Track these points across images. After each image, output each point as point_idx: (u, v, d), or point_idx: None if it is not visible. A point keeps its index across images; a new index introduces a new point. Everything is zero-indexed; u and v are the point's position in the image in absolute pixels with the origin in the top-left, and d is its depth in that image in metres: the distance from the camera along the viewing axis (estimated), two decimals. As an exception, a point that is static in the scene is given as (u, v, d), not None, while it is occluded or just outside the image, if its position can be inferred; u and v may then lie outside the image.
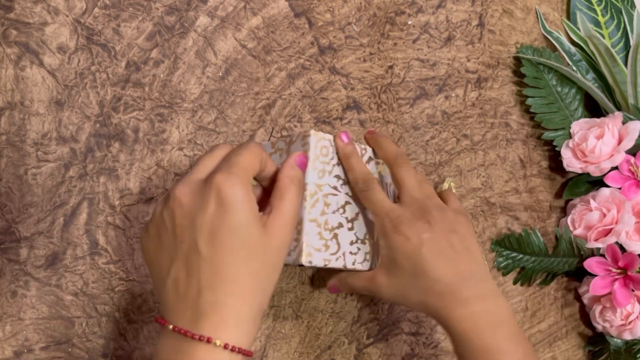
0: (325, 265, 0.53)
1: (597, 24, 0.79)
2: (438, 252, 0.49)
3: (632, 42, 0.77)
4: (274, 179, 0.45)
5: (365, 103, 0.66)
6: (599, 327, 0.74)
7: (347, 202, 0.55)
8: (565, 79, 0.75)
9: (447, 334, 0.51)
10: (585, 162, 0.72)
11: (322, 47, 0.65)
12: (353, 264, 0.55)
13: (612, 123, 0.72)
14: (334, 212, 0.54)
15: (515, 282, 0.73)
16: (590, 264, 0.70)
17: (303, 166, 0.46)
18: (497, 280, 0.72)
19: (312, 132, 0.53)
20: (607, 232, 0.71)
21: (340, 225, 0.54)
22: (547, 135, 0.75)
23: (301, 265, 0.53)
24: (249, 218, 0.39)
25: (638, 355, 0.73)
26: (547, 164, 0.77)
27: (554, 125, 0.75)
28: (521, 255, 0.73)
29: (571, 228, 0.73)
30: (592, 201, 0.72)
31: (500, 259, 0.72)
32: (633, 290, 0.69)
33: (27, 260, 0.52)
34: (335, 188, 0.55)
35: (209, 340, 0.37)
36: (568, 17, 0.80)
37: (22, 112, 0.52)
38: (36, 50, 0.53)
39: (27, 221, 0.52)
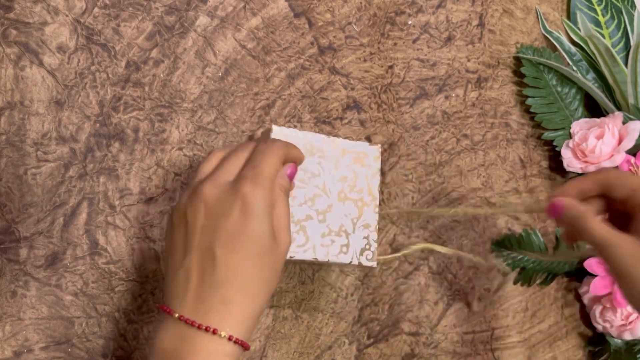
0: (292, 257, 0.53)
1: (597, 23, 0.79)
2: None
3: (632, 42, 0.77)
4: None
5: (365, 103, 0.66)
6: (599, 328, 0.74)
7: (316, 195, 0.55)
8: (566, 79, 0.75)
9: None
10: (586, 162, 0.72)
11: (322, 47, 0.65)
12: (326, 255, 0.55)
13: (612, 123, 0.71)
14: (300, 205, 0.54)
15: (515, 283, 0.73)
16: (591, 264, 0.70)
17: (292, 177, 0.48)
18: (497, 281, 0.72)
19: (274, 126, 0.54)
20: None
21: (309, 218, 0.54)
22: (547, 135, 0.75)
23: None
24: (268, 230, 0.42)
25: (638, 356, 0.73)
26: (547, 164, 0.77)
27: (554, 125, 0.75)
28: (521, 256, 0.73)
29: (571, 228, 0.73)
30: (592, 201, 0.72)
31: (501, 259, 0.72)
32: (633, 291, 0.69)
33: (27, 260, 0.52)
34: (302, 181, 0.55)
35: (214, 332, 0.40)
36: (568, 17, 0.80)
37: (22, 112, 0.52)
38: (36, 50, 0.53)
39: (27, 221, 0.52)
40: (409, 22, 0.70)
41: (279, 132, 0.54)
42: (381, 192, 0.66)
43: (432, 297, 0.68)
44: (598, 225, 0.47)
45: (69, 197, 0.53)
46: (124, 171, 0.56)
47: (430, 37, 0.70)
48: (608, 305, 0.71)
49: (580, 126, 0.74)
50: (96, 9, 0.55)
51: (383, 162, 0.67)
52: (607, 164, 0.71)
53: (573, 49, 0.77)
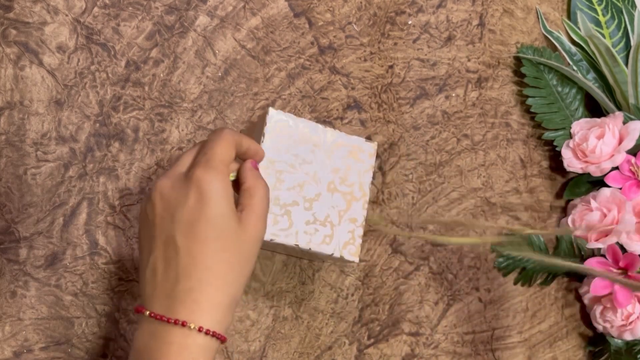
0: (272, 239, 0.53)
1: (597, 23, 0.79)
2: None
3: (632, 42, 0.77)
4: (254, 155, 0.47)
5: (365, 103, 0.66)
6: (600, 328, 0.73)
7: (305, 182, 0.55)
8: (566, 79, 0.75)
9: None
10: (586, 162, 0.72)
11: (322, 46, 0.65)
12: (308, 244, 0.55)
13: (613, 123, 0.71)
14: (288, 189, 0.54)
15: (515, 283, 0.73)
16: (591, 264, 0.70)
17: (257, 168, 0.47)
18: (497, 281, 0.72)
19: (270, 109, 0.54)
20: (608, 233, 0.70)
21: (296, 203, 0.54)
22: (548, 135, 0.75)
23: None
24: (226, 211, 0.41)
25: (639, 356, 0.73)
26: (548, 164, 0.77)
27: (555, 125, 0.75)
28: (521, 256, 0.73)
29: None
30: (592, 201, 0.71)
31: (501, 259, 0.72)
32: (634, 291, 0.69)
33: (26, 260, 0.52)
34: (292, 166, 0.55)
35: (183, 324, 0.39)
36: (568, 17, 0.80)
37: (22, 112, 0.52)
38: (35, 50, 0.53)
39: (26, 221, 0.52)
40: (409, 22, 0.70)
41: (275, 115, 0.54)
42: (381, 192, 0.66)
43: (432, 297, 0.68)
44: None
45: (69, 197, 0.53)
46: (123, 171, 0.55)
47: (430, 37, 0.70)
48: (608, 306, 0.71)
49: (580, 126, 0.74)
50: (96, 9, 0.55)
51: (383, 162, 0.67)
52: (607, 164, 0.71)
53: (573, 49, 0.77)
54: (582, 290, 0.75)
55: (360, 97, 0.66)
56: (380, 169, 0.66)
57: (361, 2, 0.67)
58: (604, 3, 0.79)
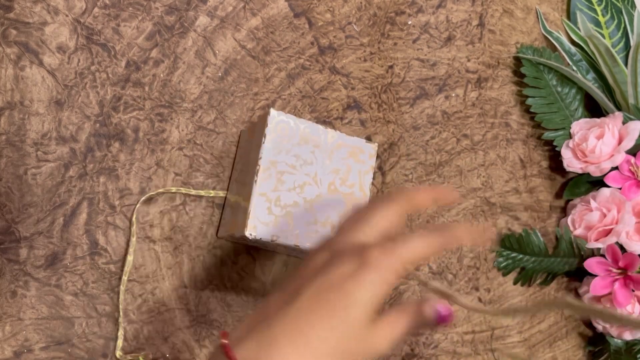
0: (273, 240, 0.53)
1: (597, 23, 0.79)
2: None
3: (632, 42, 0.77)
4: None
5: (365, 103, 0.66)
6: (599, 328, 0.74)
7: (306, 183, 0.55)
8: (566, 79, 0.75)
9: None
10: (586, 162, 0.72)
11: (322, 47, 0.65)
12: (309, 244, 0.55)
13: (613, 123, 0.71)
14: (289, 190, 0.54)
15: (515, 283, 0.73)
16: (591, 264, 0.70)
17: (446, 320, 0.41)
18: (497, 281, 0.72)
19: (272, 110, 0.54)
20: (608, 232, 0.70)
21: (296, 204, 0.54)
22: (547, 135, 0.75)
23: (255, 241, 0.53)
24: (367, 307, 0.36)
25: (638, 356, 0.73)
26: (547, 164, 0.77)
27: (554, 125, 0.75)
28: (521, 256, 0.73)
29: (571, 228, 0.73)
30: (592, 201, 0.72)
31: (501, 259, 0.72)
32: (633, 291, 0.69)
33: (26, 260, 0.52)
34: (293, 167, 0.55)
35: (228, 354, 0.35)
36: (568, 17, 0.80)
37: (22, 112, 0.52)
38: (36, 50, 0.53)
39: (26, 221, 0.52)
40: (409, 22, 0.70)
41: (276, 116, 0.54)
42: (381, 192, 0.66)
43: (432, 297, 0.68)
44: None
45: (69, 197, 0.53)
46: (124, 171, 0.56)
47: (430, 37, 0.70)
48: (608, 306, 0.71)
49: (580, 126, 0.74)
50: (96, 9, 0.55)
51: (383, 162, 0.67)
52: (607, 164, 0.71)
53: (573, 49, 0.77)
54: (581, 290, 0.75)
55: (360, 97, 0.66)
56: (380, 169, 0.66)
57: (361, 2, 0.67)
58: (603, 3, 0.79)
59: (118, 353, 0.54)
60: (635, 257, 0.68)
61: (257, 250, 0.60)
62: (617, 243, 0.69)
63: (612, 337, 0.73)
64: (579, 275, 0.76)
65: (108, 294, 0.54)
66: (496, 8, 0.75)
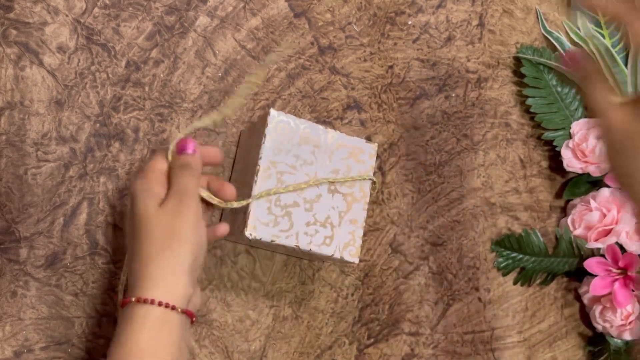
0: (273, 240, 0.53)
1: (597, 24, 0.79)
2: None
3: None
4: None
5: (365, 103, 0.66)
6: (599, 327, 0.74)
7: (306, 182, 0.55)
8: (566, 79, 0.75)
9: None
10: (586, 162, 0.72)
11: (322, 47, 0.65)
12: (308, 244, 0.55)
13: (612, 123, 0.71)
14: (289, 191, 0.54)
15: (515, 282, 0.73)
16: (591, 264, 0.70)
17: (184, 148, 0.49)
18: (497, 281, 0.72)
19: (272, 110, 0.54)
20: (607, 232, 0.70)
21: (296, 205, 0.54)
22: (547, 135, 0.75)
23: (255, 242, 0.53)
24: (146, 203, 0.46)
25: (639, 356, 0.73)
26: (547, 164, 0.77)
27: (554, 125, 0.75)
28: (521, 256, 0.73)
29: (571, 228, 0.73)
30: (592, 201, 0.72)
31: (501, 259, 0.72)
32: (633, 291, 0.69)
33: (27, 260, 0.52)
34: (293, 167, 0.55)
35: (138, 300, 0.44)
36: (568, 17, 0.80)
37: (22, 112, 0.52)
38: (36, 50, 0.53)
39: (27, 221, 0.52)
40: (409, 22, 0.70)
41: (276, 116, 0.54)
42: (381, 192, 0.66)
43: (432, 297, 0.68)
44: (598, 92, 0.48)
45: (69, 197, 0.53)
46: (124, 171, 0.56)
47: (430, 37, 0.71)
48: (608, 305, 0.71)
49: (580, 126, 0.74)
50: (96, 9, 0.55)
51: (383, 162, 0.67)
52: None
53: (573, 49, 0.77)
54: (581, 290, 0.75)
55: (360, 97, 0.66)
56: (380, 169, 0.67)
57: (361, 3, 0.67)
58: (603, 3, 0.79)
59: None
60: (635, 257, 0.68)
61: (257, 250, 0.60)
62: (617, 243, 0.69)
63: (612, 337, 0.73)
64: (578, 275, 0.76)
65: (108, 294, 0.54)
66: (496, 8, 0.75)
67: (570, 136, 0.74)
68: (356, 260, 0.56)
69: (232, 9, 0.61)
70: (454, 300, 0.69)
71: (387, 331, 0.66)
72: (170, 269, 0.45)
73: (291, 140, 0.55)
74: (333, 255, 0.55)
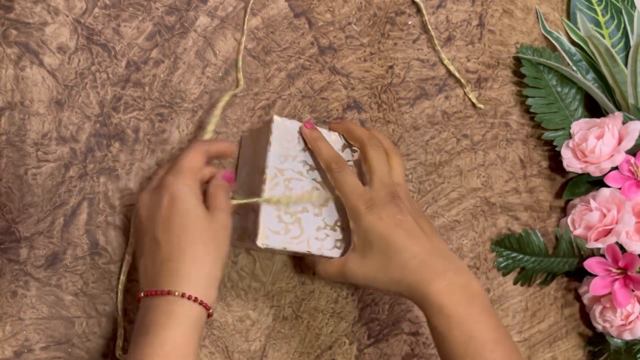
0: (285, 248, 0.53)
1: (597, 24, 0.79)
2: (411, 232, 0.52)
3: (632, 42, 0.77)
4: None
5: (365, 103, 0.66)
6: (599, 327, 0.74)
7: (314, 188, 0.55)
8: (565, 79, 0.75)
9: (422, 310, 0.52)
10: (586, 162, 0.72)
11: (322, 47, 0.65)
12: (319, 249, 0.55)
13: (612, 123, 0.72)
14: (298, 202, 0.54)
15: (515, 282, 0.73)
16: (591, 264, 0.70)
17: (228, 179, 0.52)
18: (497, 281, 0.72)
19: (275, 117, 0.54)
20: (607, 232, 0.70)
21: (305, 210, 0.54)
22: (547, 135, 0.75)
23: (267, 250, 0.54)
24: (193, 205, 0.48)
25: (638, 356, 0.73)
26: (547, 164, 0.77)
27: (554, 125, 0.75)
28: (521, 256, 0.73)
29: (571, 228, 0.73)
30: (592, 201, 0.72)
31: (501, 259, 0.72)
32: (633, 291, 0.69)
33: (27, 260, 0.52)
34: (300, 173, 0.55)
35: (169, 292, 0.45)
36: (568, 17, 0.80)
37: (22, 112, 0.52)
38: (36, 50, 0.53)
39: (27, 221, 0.52)
40: (409, 22, 0.70)
41: (280, 123, 0.54)
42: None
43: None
44: (325, 149, 0.54)
45: (69, 197, 0.54)
46: (124, 171, 0.56)
47: (429, 37, 0.71)
48: (608, 305, 0.71)
49: (580, 126, 0.74)
50: (96, 9, 0.55)
51: (383, 162, 0.67)
52: (607, 164, 0.71)
53: (573, 49, 0.77)
54: (581, 290, 0.75)
55: (360, 97, 0.66)
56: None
57: (361, 3, 0.67)
58: (603, 3, 0.79)
59: (118, 353, 0.54)
60: (635, 257, 0.68)
61: (257, 251, 0.60)
62: (617, 243, 0.69)
63: (612, 337, 0.73)
64: (578, 275, 0.76)
65: (108, 294, 0.54)
66: (496, 8, 0.75)
67: (570, 136, 0.74)
68: None
69: (232, 9, 0.61)
70: (454, 300, 0.69)
71: (387, 331, 0.66)
72: (210, 273, 0.47)
73: (296, 146, 0.55)
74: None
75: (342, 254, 0.55)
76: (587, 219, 0.72)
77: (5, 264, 0.51)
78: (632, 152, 0.72)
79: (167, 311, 0.45)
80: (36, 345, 0.52)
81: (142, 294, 0.47)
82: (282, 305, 0.61)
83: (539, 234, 0.73)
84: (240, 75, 0.58)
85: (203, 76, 0.59)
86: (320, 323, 0.62)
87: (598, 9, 0.79)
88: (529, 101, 0.74)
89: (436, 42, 0.70)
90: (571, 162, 0.73)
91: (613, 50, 0.73)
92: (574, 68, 0.77)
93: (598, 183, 0.74)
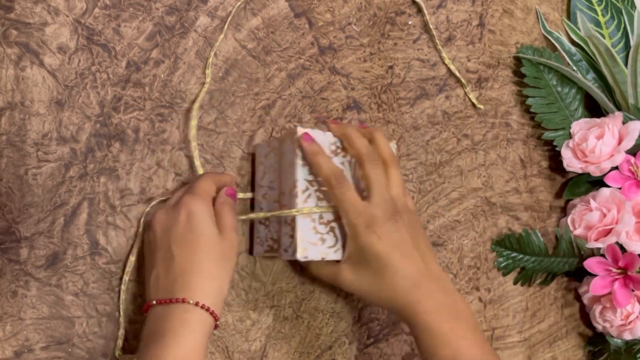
0: (323, 258, 0.54)
1: (597, 24, 0.79)
2: (406, 252, 0.53)
3: (632, 42, 0.77)
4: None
5: (365, 103, 0.66)
6: (599, 327, 0.74)
7: None
8: (566, 79, 0.75)
9: (410, 328, 0.53)
10: (586, 162, 0.72)
11: (322, 47, 0.65)
12: None
13: (612, 123, 0.72)
14: (329, 207, 0.54)
15: (515, 282, 0.74)
16: (591, 264, 0.70)
17: (232, 195, 0.55)
18: (497, 280, 0.72)
19: (299, 129, 0.54)
20: (607, 232, 0.71)
21: (338, 218, 0.54)
22: (548, 135, 0.75)
23: (302, 260, 0.53)
24: (208, 224, 0.51)
25: (638, 356, 0.73)
26: (548, 164, 0.77)
27: (554, 125, 0.75)
28: (521, 255, 0.73)
29: (571, 228, 0.73)
30: (592, 201, 0.72)
31: (501, 259, 0.73)
32: (633, 290, 0.69)
33: (27, 260, 0.52)
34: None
35: (183, 300, 0.48)
36: (568, 17, 0.80)
37: (23, 112, 0.52)
38: (36, 51, 0.53)
39: (27, 221, 0.52)
40: (409, 22, 0.70)
41: (302, 132, 0.54)
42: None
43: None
44: (325, 164, 0.54)
45: (70, 197, 0.54)
46: (124, 171, 0.56)
47: (430, 37, 0.71)
48: (608, 305, 0.71)
49: (580, 126, 0.74)
50: (97, 10, 0.55)
51: (383, 162, 0.67)
52: (607, 164, 0.71)
53: (573, 49, 0.77)
54: (581, 290, 0.75)
55: (360, 97, 0.66)
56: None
57: (361, 3, 0.67)
58: (603, 3, 0.79)
59: (118, 353, 0.54)
60: (635, 257, 0.68)
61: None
62: (617, 243, 0.69)
63: (612, 336, 0.73)
64: (579, 275, 0.76)
65: (108, 294, 0.54)
66: (496, 8, 0.75)
67: (570, 136, 0.74)
68: None
69: (233, 9, 0.61)
70: (454, 300, 0.69)
71: (387, 331, 0.66)
72: (220, 288, 0.51)
73: None
74: None
75: None
76: (587, 218, 0.72)
77: (6, 264, 0.51)
78: (632, 152, 0.72)
79: (181, 318, 0.48)
80: (36, 345, 0.52)
81: (153, 302, 0.49)
82: (283, 305, 0.61)
83: (539, 234, 0.73)
84: (208, 71, 0.59)
85: (203, 76, 0.59)
86: (320, 323, 0.62)
87: (598, 9, 0.79)
88: (529, 101, 0.74)
89: (437, 41, 0.70)
90: (571, 162, 0.73)
91: (613, 50, 0.73)
92: (574, 68, 0.77)
93: (598, 183, 0.74)
